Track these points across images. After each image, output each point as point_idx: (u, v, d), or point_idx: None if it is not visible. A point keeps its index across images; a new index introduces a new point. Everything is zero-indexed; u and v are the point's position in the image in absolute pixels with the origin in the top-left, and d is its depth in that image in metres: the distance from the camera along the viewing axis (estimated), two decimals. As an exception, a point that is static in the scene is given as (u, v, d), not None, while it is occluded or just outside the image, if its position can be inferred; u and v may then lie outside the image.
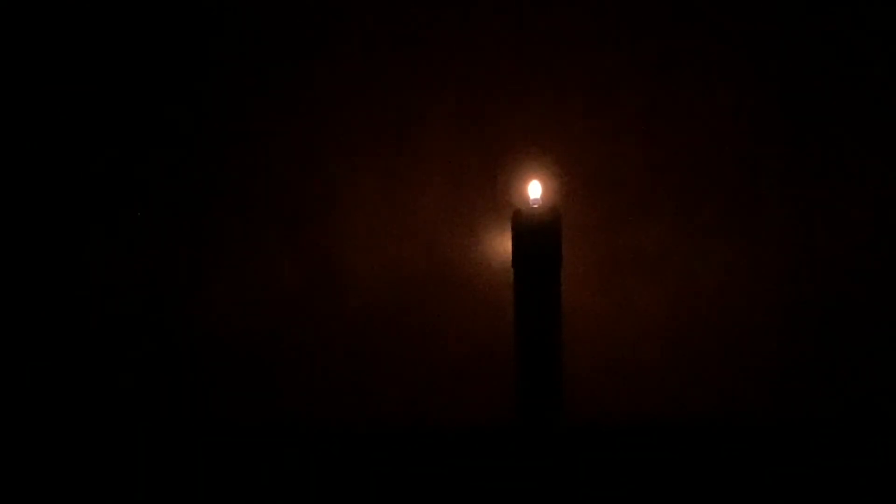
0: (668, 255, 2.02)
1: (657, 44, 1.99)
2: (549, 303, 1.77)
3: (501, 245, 1.99)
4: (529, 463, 1.81)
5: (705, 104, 2.00)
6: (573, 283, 1.94)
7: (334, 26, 2.00)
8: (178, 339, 2.04)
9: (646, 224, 2.02)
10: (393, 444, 2.01)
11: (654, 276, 2.02)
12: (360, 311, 2.04)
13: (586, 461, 1.92)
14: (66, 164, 2.02)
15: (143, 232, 2.02)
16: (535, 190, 1.82)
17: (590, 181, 2.01)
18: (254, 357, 2.05)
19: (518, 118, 2.00)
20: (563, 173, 2.00)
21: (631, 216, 2.02)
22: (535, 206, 1.81)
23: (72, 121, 2.01)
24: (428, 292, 2.03)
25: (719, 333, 2.02)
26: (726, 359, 2.03)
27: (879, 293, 2.01)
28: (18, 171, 2.02)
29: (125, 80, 2.01)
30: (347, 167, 2.02)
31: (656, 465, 1.94)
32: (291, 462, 1.98)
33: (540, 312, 1.77)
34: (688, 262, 2.02)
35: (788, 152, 2.00)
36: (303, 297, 2.04)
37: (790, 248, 2.01)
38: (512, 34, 1.99)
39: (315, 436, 2.03)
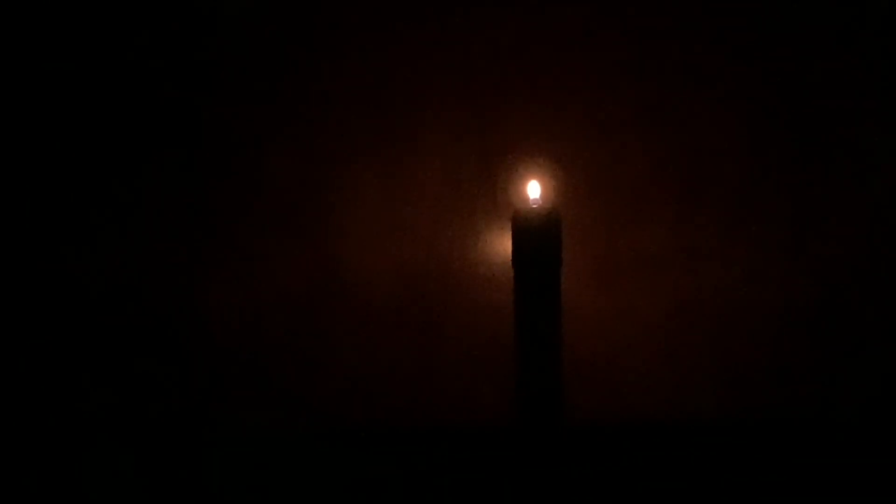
0: (668, 255, 2.02)
1: (657, 44, 1.99)
2: (549, 303, 1.77)
3: (501, 245, 1.99)
4: (529, 463, 1.81)
5: (705, 104, 2.00)
6: (573, 283, 1.94)
7: (334, 27, 2.00)
8: (180, 338, 2.04)
9: (646, 224, 2.02)
10: (393, 444, 2.01)
11: (654, 276, 2.02)
12: (361, 310, 2.04)
13: (586, 461, 1.93)
14: (68, 165, 2.02)
15: (144, 232, 2.02)
16: (534, 190, 1.83)
17: (590, 181, 2.01)
18: (254, 357, 2.05)
19: (518, 118, 2.00)
20: (563, 173, 2.00)
21: (631, 216, 2.01)
22: (535, 206, 1.81)
23: (73, 122, 2.01)
24: (428, 292, 2.03)
25: (719, 333, 2.02)
26: (726, 359, 2.03)
27: (878, 293, 2.01)
28: (21, 171, 2.02)
29: (127, 81, 2.01)
30: (347, 167, 2.02)
31: (656, 465, 1.94)
32: (292, 462, 1.98)
33: (540, 312, 1.77)
34: (688, 263, 2.02)
35: (788, 152, 2.00)
36: (303, 297, 2.04)
37: (790, 248, 2.01)
38: (512, 34, 1.99)
39: (316, 436, 2.03)
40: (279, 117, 2.02)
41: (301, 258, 2.04)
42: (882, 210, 2.00)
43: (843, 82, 1.98)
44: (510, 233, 1.78)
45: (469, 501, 1.88)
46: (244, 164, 2.03)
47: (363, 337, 2.04)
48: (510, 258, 1.78)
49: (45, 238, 2.03)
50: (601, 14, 1.99)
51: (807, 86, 1.99)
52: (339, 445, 2.01)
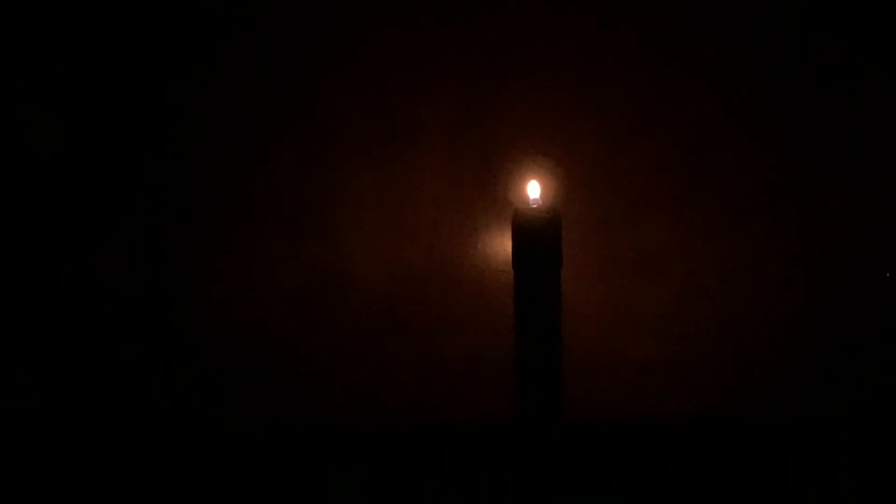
0: (668, 255, 2.02)
1: (657, 44, 1.99)
2: (549, 303, 1.77)
3: (501, 245, 1.99)
4: (529, 463, 1.81)
5: (705, 104, 2.00)
6: (573, 283, 1.94)
7: (334, 27, 2.00)
8: (179, 338, 2.04)
9: (646, 224, 2.02)
10: (393, 444, 2.01)
11: (654, 276, 2.02)
12: (361, 310, 2.04)
13: (586, 461, 1.93)
14: (68, 164, 2.02)
15: (144, 232, 2.02)
16: (534, 190, 1.83)
17: (590, 181, 2.01)
18: (254, 357, 2.05)
19: (518, 118, 2.00)
20: (563, 173, 2.00)
21: (631, 216, 2.02)
22: (535, 206, 1.81)
23: (74, 121, 2.01)
24: (428, 292, 2.03)
25: (719, 333, 2.02)
26: (726, 358, 2.03)
27: (879, 293, 2.01)
28: (20, 170, 2.02)
29: (127, 80, 2.01)
30: (347, 167, 2.02)
31: (656, 465, 1.94)
32: (291, 462, 1.98)
33: (540, 312, 1.77)
34: (688, 262, 2.02)
35: (788, 152, 2.00)
36: (303, 297, 2.04)
37: (790, 248, 2.01)
38: (512, 35, 1.99)
39: (315, 436, 2.03)
40: (279, 117, 2.02)
41: (300, 258, 2.04)
42: (882, 210, 2.00)
43: (842, 82, 1.98)
44: (510, 233, 1.78)
45: (469, 501, 1.88)
46: (244, 164, 2.03)
47: (363, 336, 2.04)
48: (510, 258, 1.78)
49: (46, 239, 2.03)
50: (601, 14, 1.99)
51: (807, 85, 1.99)
52: (338, 445, 2.01)
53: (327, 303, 2.04)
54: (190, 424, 2.05)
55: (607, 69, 2.00)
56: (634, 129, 2.00)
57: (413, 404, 2.05)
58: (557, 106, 2.00)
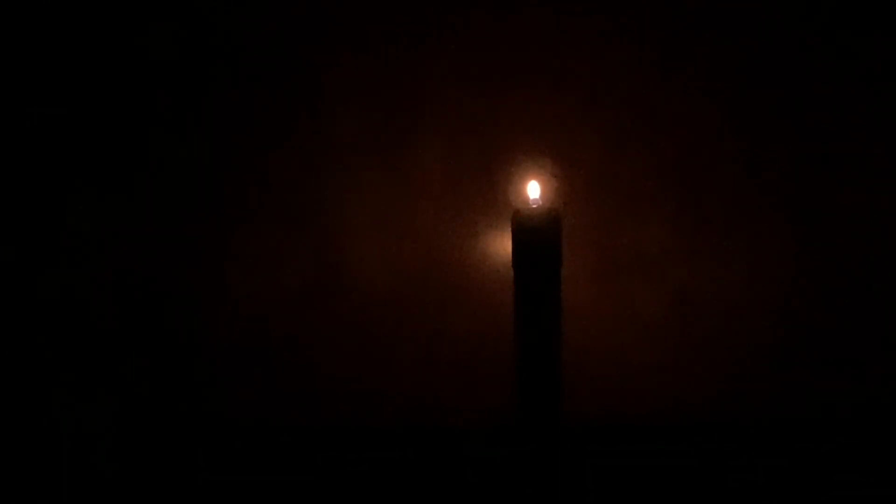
0: (668, 255, 2.02)
1: (657, 44, 1.99)
2: (549, 303, 1.77)
3: (501, 245, 1.99)
4: (529, 463, 1.81)
5: (705, 104, 2.00)
6: (573, 283, 1.94)
7: (334, 26, 2.00)
8: (179, 338, 2.04)
9: (646, 224, 2.02)
10: (393, 444, 2.01)
11: (654, 276, 2.02)
12: (360, 310, 2.04)
13: (586, 461, 1.93)
14: (68, 162, 2.02)
15: (144, 231, 2.02)
16: (534, 190, 1.83)
17: (590, 181, 2.01)
18: (254, 357, 2.05)
19: (518, 118, 2.01)
20: (563, 173, 2.00)
21: (631, 216, 2.02)
22: (535, 206, 1.81)
23: (74, 120, 2.01)
24: (428, 292, 2.03)
25: (719, 333, 2.03)
26: (726, 359, 2.03)
27: (880, 293, 2.01)
28: (18, 167, 2.02)
29: (126, 78, 2.01)
30: (347, 167, 2.02)
31: (656, 465, 1.94)
32: (291, 462, 1.98)
33: (540, 312, 1.77)
34: (688, 262, 2.02)
35: (788, 152, 2.01)
36: (303, 297, 2.04)
37: (790, 248, 2.01)
38: (512, 34, 1.99)
39: (315, 436, 2.03)
40: (279, 116, 2.02)
41: (300, 258, 2.04)
42: (882, 210, 2.00)
43: (843, 81, 1.98)
44: (510, 233, 1.78)
45: (469, 501, 1.88)
46: (244, 164, 2.03)
47: (363, 336, 2.04)
48: (510, 258, 1.78)
49: (45, 239, 2.03)
50: (602, 14, 1.99)
51: (807, 85, 1.99)
52: (339, 445, 2.01)
53: (327, 303, 2.04)
54: (189, 424, 2.05)
55: (607, 69, 2.00)
56: (634, 129, 2.01)
57: (413, 404, 2.05)
58: (557, 106, 2.00)
